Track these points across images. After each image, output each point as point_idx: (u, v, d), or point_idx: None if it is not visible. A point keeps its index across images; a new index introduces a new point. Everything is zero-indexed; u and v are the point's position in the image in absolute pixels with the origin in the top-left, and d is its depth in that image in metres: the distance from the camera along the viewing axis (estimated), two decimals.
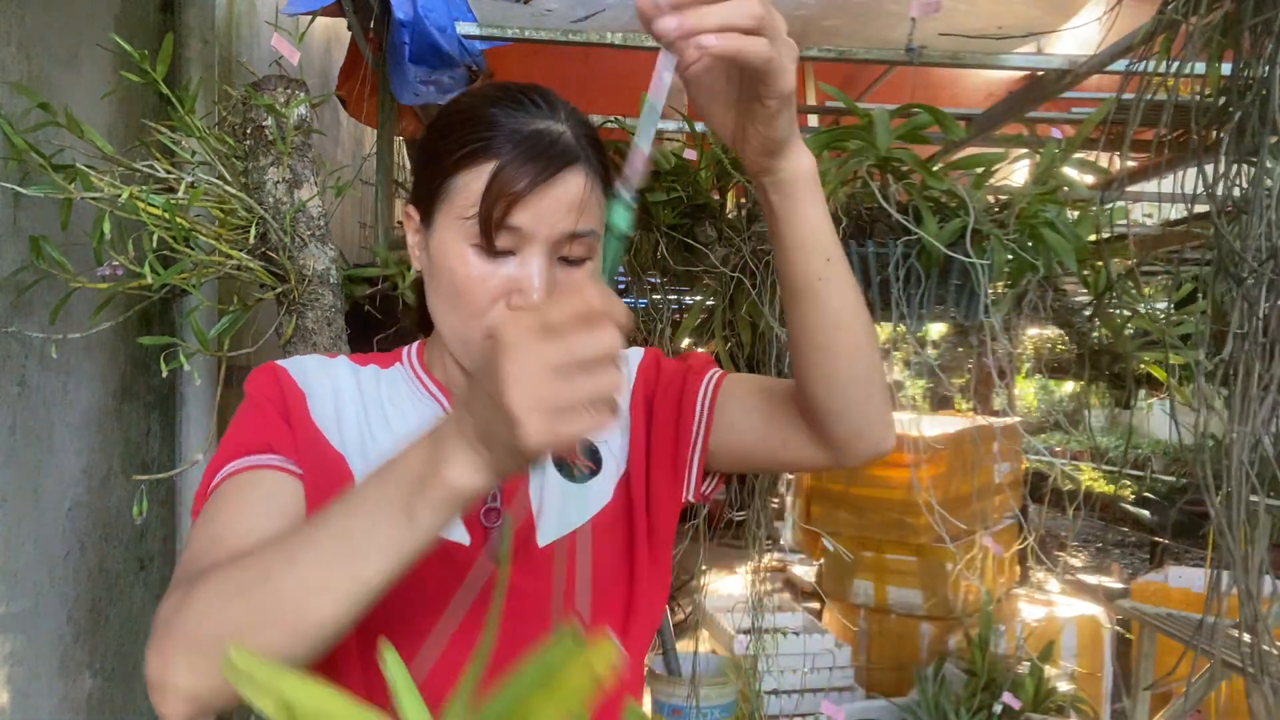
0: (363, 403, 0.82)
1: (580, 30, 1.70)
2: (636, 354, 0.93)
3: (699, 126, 1.98)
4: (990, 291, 1.50)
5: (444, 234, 0.77)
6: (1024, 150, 1.62)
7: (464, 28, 1.66)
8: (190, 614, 0.58)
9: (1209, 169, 1.10)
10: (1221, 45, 1.10)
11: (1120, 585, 5.20)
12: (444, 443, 0.56)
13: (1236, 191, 1.10)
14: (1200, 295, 1.78)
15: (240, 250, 1.40)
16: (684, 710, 2.51)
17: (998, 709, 2.38)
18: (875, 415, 0.79)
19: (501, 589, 0.76)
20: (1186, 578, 3.58)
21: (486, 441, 0.54)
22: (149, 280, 1.34)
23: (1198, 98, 1.15)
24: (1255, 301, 1.06)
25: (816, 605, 3.65)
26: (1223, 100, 1.13)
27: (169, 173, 1.38)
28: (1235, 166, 1.08)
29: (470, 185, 0.74)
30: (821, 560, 3.64)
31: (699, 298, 2.07)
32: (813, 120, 2.55)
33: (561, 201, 0.73)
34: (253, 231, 1.39)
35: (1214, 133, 1.13)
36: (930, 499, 2.62)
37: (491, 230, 0.73)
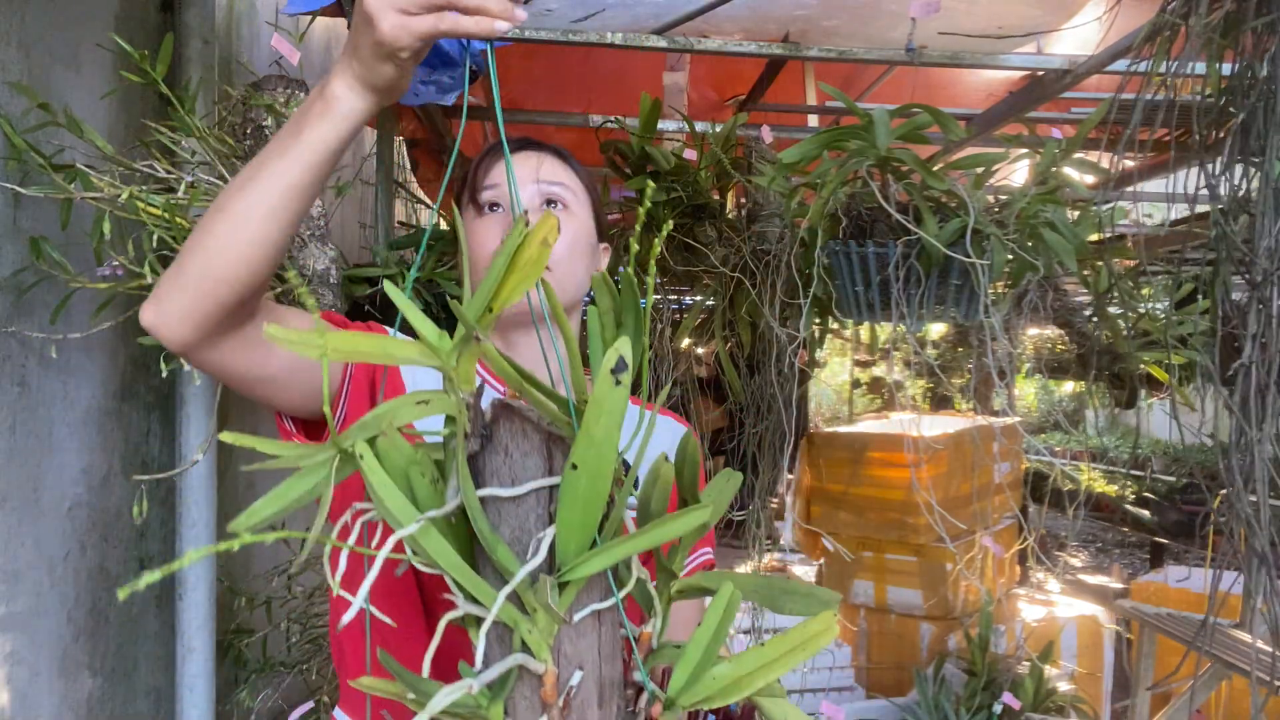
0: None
1: (580, 30, 1.70)
2: (677, 428, 1.12)
3: (699, 126, 1.98)
4: (990, 291, 1.50)
5: (465, 220, 1.03)
6: (1024, 150, 1.62)
7: None
8: (173, 267, 0.77)
9: (1218, 170, 1.09)
10: (1222, 45, 1.10)
11: (1120, 585, 5.20)
12: (329, 75, 0.75)
13: (1239, 192, 1.10)
14: (1200, 295, 1.78)
15: None
16: None
17: (998, 709, 2.37)
18: None
19: None
20: (1187, 578, 3.58)
21: (357, 56, 0.72)
22: (149, 280, 1.34)
23: (1198, 98, 1.14)
24: (1268, 303, 1.05)
25: None
26: (1223, 100, 1.12)
27: (169, 173, 1.38)
28: (1240, 167, 1.08)
29: (472, 175, 1.02)
30: (821, 560, 3.64)
31: (699, 298, 2.07)
32: (813, 120, 2.55)
33: (527, 164, 1.01)
34: None
35: (1214, 133, 1.13)
36: (930, 499, 2.62)
37: (479, 190, 0.99)
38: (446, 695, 0.47)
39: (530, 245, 0.54)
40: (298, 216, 0.77)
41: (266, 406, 0.91)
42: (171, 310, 0.77)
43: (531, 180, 1.00)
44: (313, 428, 0.93)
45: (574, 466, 0.49)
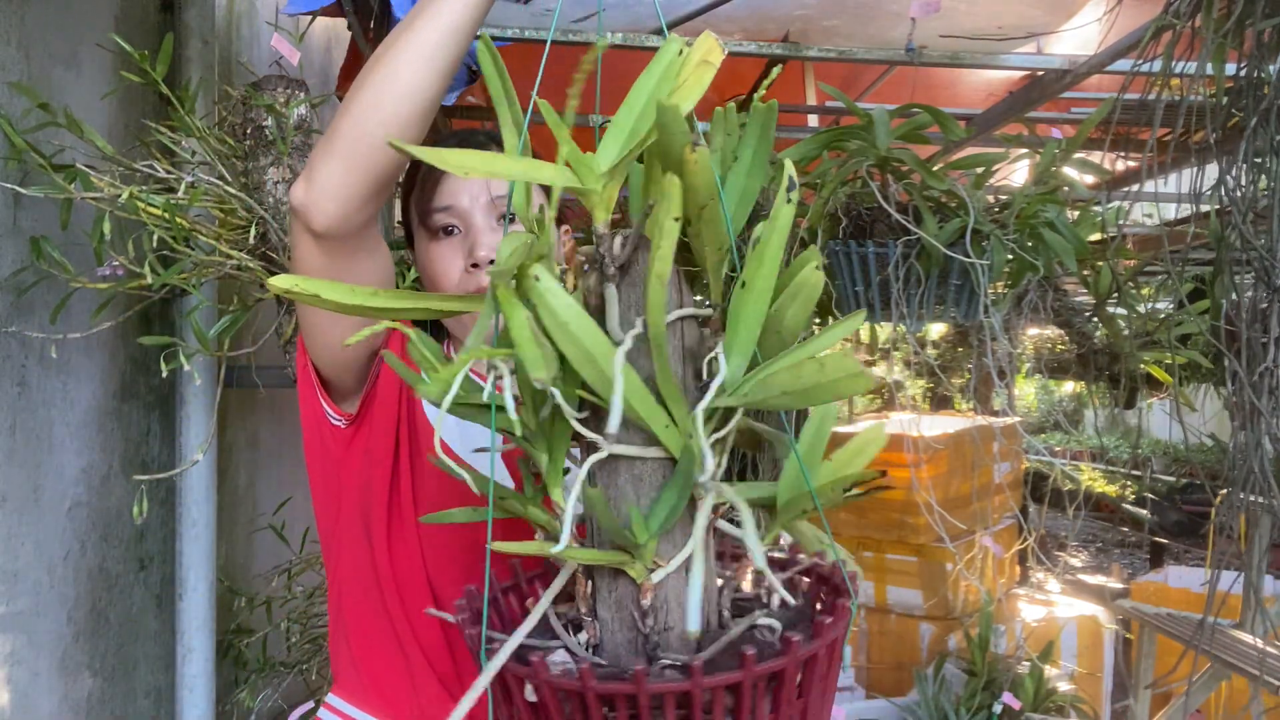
0: None
1: (580, 30, 1.70)
2: None
3: (700, 126, 1.97)
4: (990, 291, 1.50)
5: (417, 244, 0.96)
6: (1024, 150, 1.62)
7: None
8: (323, 140, 0.75)
9: (1229, 171, 1.09)
10: (1227, 46, 1.10)
11: (1120, 585, 5.20)
12: None
13: (1239, 192, 1.09)
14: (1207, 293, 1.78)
15: (240, 250, 1.40)
16: None
17: (998, 709, 2.37)
18: None
19: None
20: (1186, 578, 3.59)
21: None
22: (149, 280, 1.34)
23: (1200, 98, 1.14)
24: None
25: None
26: (1226, 100, 1.12)
27: (169, 173, 1.38)
28: (1250, 169, 1.08)
29: (419, 194, 0.94)
30: None
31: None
32: (813, 120, 2.55)
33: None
34: (253, 231, 1.39)
35: (1216, 133, 1.12)
36: (930, 499, 2.62)
37: (430, 213, 0.92)
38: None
39: (688, 67, 0.56)
40: (452, 64, 0.73)
41: (315, 342, 0.89)
42: (324, 184, 0.74)
43: (484, 192, 0.92)
44: (335, 390, 0.93)
45: (743, 285, 0.54)
